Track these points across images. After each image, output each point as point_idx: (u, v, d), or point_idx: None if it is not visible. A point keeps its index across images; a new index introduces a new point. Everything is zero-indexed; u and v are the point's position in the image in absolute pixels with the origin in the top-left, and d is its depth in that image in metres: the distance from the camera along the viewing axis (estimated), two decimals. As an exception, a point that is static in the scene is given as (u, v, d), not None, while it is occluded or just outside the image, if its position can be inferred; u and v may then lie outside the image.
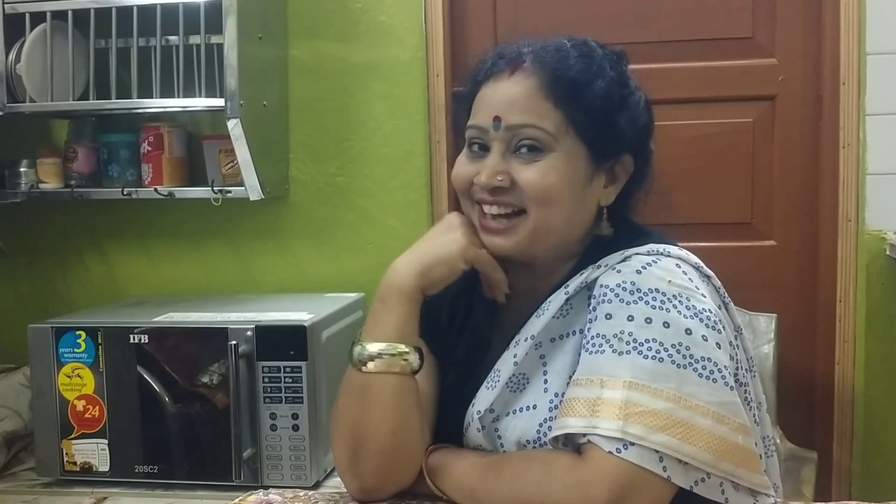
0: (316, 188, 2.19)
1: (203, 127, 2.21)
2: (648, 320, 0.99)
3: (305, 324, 1.70)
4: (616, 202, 1.12)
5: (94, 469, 1.76)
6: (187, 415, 1.75)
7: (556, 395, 1.04)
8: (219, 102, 1.94)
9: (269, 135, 2.09)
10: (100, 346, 1.74)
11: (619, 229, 1.13)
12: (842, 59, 1.97)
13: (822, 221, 2.07)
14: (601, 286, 1.03)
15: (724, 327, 1.02)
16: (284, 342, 1.70)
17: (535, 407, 1.05)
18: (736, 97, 2.10)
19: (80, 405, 1.75)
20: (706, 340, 0.99)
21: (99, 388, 1.75)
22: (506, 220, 1.07)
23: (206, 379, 1.74)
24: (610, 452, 0.94)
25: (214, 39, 1.97)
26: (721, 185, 2.11)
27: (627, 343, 0.98)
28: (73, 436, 1.76)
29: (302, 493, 1.12)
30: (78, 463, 1.77)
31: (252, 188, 1.98)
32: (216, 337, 1.72)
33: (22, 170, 2.11)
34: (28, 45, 1.99)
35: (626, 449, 0.94)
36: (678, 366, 0.97)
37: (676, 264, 1.05)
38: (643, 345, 0.98)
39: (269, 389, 1.70)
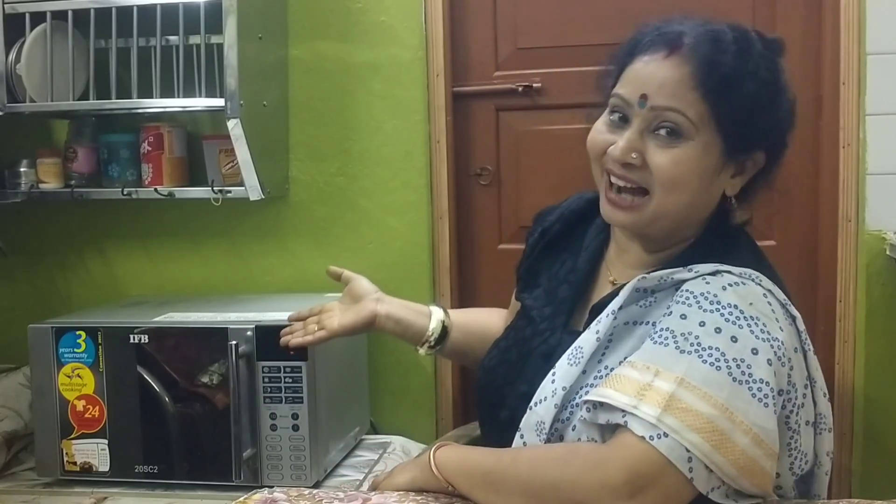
0: (316, 188, 2.19)
1: (203, 127, 2.21)
2: (718, 330, 1.00)
3: (305, 324, 1.70)
4: (746, 195, 1.15)
5: (94, 469, 1.76)
6: (187, 415, 1.75)
7: (606, 367, 1.07)
8: (219, 102, 1.94)
9: (269, 135, 2.09)
10: (100, 346, 1.74)
11: (717, 232, 1.14)
12: (842, 59, 1.97)
13: (822, 221, 2.07)
14: (685, 290, 1.05)
15: (791, 363, 1.03)
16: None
17: (584, 373, 1.09)
18: (736, 97, 2.09)
19: (80, 405, 1.75)
20: (770, 365, 0.99)
21: (99, 388, 1.75)
22: (630, 195, 1.09)
23: (206, 379, 1.74)
24: (642, 437, 0.94)
25: (214, 39, 1.97)
26: (721, 185, 2.11)
27: (692, 344, 1.00)
28: (73, 436, 1.76)
29: (306, 491, 1.12)
30: (78, 463, 1.77)
31: (252, 188, 1.98)
32: (216, 337, 1.72)
33: (22, 170, 2.11)
34: (28, 45, 1.99)
35: (658, 438, 0.94)
36: (735, 379, 0.97)
37: (764, 294, 1.06)
38: (705, 350, 0.99)
39: (269, 389, 1.70)
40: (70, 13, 1.99)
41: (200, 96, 2.00)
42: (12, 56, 2.01)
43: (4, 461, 1.88)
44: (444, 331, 1.44)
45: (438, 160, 2.13)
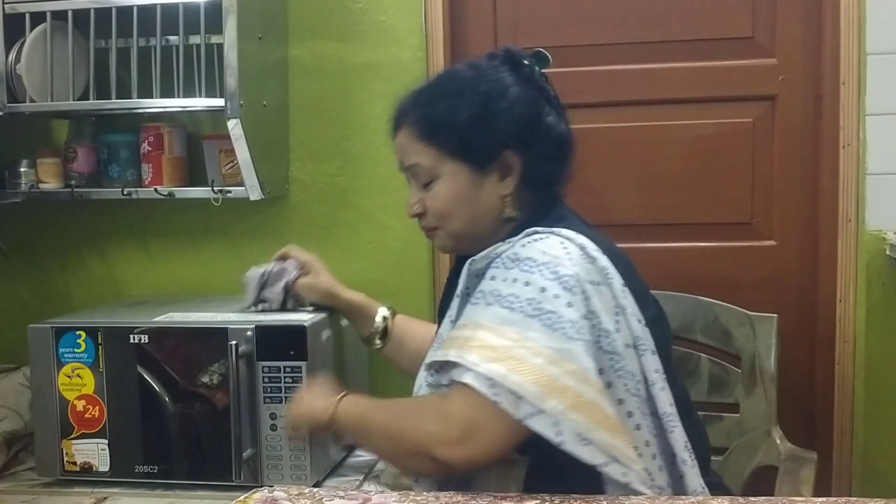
0: (316, 188, 2.19)
1: (203, 127, 2.21)
2: (515, 280, 1.21)
3: (305, 324, 1.70)
4: (532, 184, 1.36)
5: (94, 469, 1.76)
6: (187, 415, 1.75)
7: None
8: (219, 102, 1.94)
9: (269, 135, 2.09)
10: (100, 346, 1.74)
11: (540, 212, 1.36)
12: (842, 59, 1.97)
13: (822, 221, 2.07)
14: (497, 257, 1.27)
15: (585, 293, 1.20)
16: (284, 342, 1.69)
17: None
18: (736, 97, 2.10)
19: (80, 405, 1.75)
20: (557, 298, 1.19)
21: (99, 388, 1.75)
22: (433, 231, 1.41)
23: (206, 379, 1.74)
24: (458, 378, 1.17)
25: (214, 39, 1.97)
26: (721, 185, 2.11)
27: (495, 297, 1.21)
28: (73, 436, 1.76)
29: (307, 490, 1.12)
30: (78, 463, 1.77)
31: (252, 188, 1.98)
32: (216, 337, 1.72)
33: (22, 170, 2.11)
34: (28, 45, 1.99)
35: (466, 373, 1.16)
36: (526, 315, 1.18)
37: (560, 241, 1.25)
38: (505, 298, 1.20)
39: (269, 389, 1.70)
40: (70, 13, 1.99)
41: (200, 96, 2.00)
42: (12, 56, 2.01)
43: (4, 461, 1.88)
44: (386, 331, 1.75)
45: (438, 160, 2.13)
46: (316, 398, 1.40)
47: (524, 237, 1.28)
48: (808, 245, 2.10)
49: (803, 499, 1.14)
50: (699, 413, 1.50)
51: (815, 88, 2.05)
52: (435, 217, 1.38)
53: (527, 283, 1.20)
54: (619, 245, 1.36)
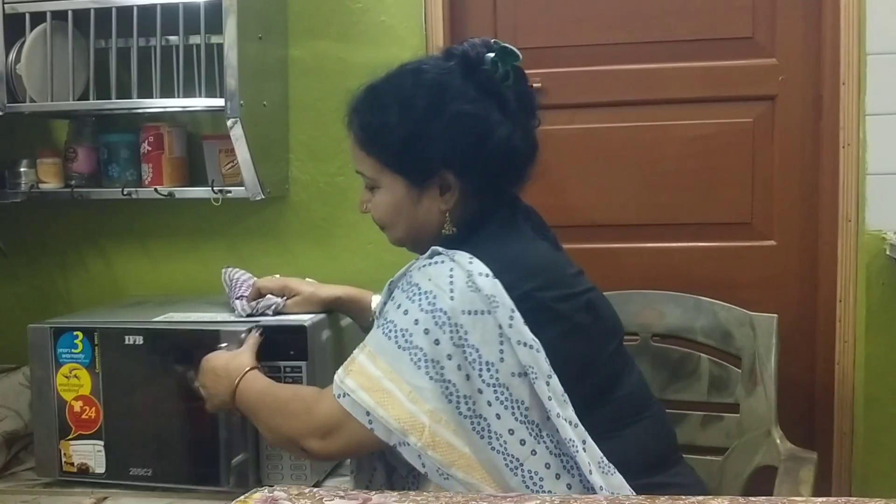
0: (316, 188, 2.19)
1: (203, 127, 2.21)
2: (399, 306, 1.25)
3: (305, 324, 1.70)
4: (477, 195, 1.34)
5: (91, 471, 1.76)
6: (184, 417, 1.74)
7: None
8: (219, 102, 1.94)
9: (269, 135, 2.09)
10: (96, 347, 1.74)
11: (467, 229, 1.35)
12: (842, 59, 1.97)
13: (822, 221, 2.07)
14: (408, 273, 1.30)
15: (459, 328, 1.20)
16: (284, 342, 1.69)
17: None
18: (736, 97, 2.09)
19: (77, 406, 1.75)
20: (427, 333, 1.21)
21: (95, 388, 1.74)
22: (382, 229, 1.44)
23: (205, 379, 1.74)
24: (336, 395, 1.25)
25: (214, 39, 1.97)
26: (721, 185, 2.11)
27: (384, 320, 1.26)
28: (70, 437, 1.76)
29: (307, 489, 1.12)
30: (75, 464, 1.76)
31: (252, 188, 1.98)
32: (215, 337, 1.71)
33: (22, 170, 2.11)
34: (28, 45, 1.99)
35: (342, 397, 1.24)
36: (399, 347, 1.22)
37: (450, 268, 1.25)
38: (389, 324, 1.25)
39: (268, 389, 1.69)
40: (70, 13, 1.99)
41: (200, 96, 2.00)
42: (12, 56, 2.01)
43: (4, 461, 1.88)
44: None
45: (438, 160, 2.13)
46: (221, 374, 1.50)
47: (426, 257, 1.30)
48: (808, 245, 2.10)
49: (803, 499, 1.13)
50: (706, 410, 1.47)
51: (815, 88, 2.05)
52: (376, 222, 1.43)
53: (405, 312, 1.24)
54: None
